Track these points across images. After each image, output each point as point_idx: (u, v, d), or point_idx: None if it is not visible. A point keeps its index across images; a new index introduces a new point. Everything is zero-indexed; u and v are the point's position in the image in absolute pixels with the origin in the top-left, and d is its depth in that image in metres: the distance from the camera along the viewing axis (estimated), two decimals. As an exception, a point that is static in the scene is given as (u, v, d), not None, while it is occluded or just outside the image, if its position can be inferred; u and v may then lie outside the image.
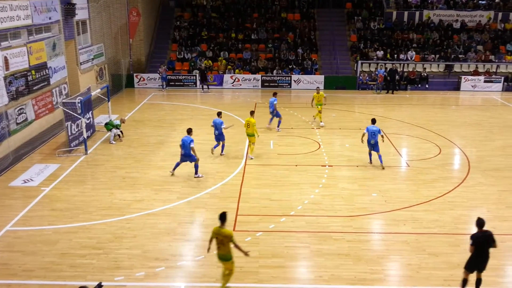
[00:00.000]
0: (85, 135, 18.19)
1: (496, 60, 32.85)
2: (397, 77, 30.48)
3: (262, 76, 31.37)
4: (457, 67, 32.73)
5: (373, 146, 16.56)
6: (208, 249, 9.90)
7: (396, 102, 27.99)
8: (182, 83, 31.30)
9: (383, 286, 10.17)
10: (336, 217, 13.11)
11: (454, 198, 14.30)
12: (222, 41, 33.90)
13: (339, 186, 15.21)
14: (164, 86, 30.47)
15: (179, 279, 10.38)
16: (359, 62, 31.77)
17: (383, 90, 30.42)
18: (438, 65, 32.82)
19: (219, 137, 17.79)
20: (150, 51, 33.98)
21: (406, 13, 35.39)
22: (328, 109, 25.31)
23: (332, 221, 12.86)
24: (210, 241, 9.75)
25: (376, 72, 30.93)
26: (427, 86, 31.34)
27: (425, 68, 32.12)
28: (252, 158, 17.49)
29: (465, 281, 9.67)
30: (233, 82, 31.29)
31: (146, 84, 31.14)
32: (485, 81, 31.13)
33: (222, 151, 18.03)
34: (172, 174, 15.83)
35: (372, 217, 13.20)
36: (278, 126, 21.31)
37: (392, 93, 30.15)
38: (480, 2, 36.08)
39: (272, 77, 31.44)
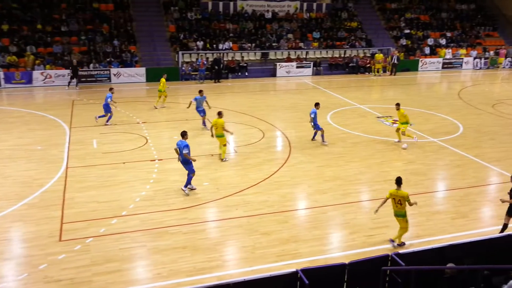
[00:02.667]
0: None
1: (305, 47, 35.77)
2: (221, 65, 31.32)
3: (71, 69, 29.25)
4: (272, 55, 34.84)
5: (314, 125, 18.22)
6: (376, 211, 11.25)
7: (219, 91, 28.67)
8: (-17, 83, 27.65)
9: (222, 272, 10.27)
10: (170, 211, 12.88)
11: (279, 178, 15.12)
12: (28, 35, 30.75)
13: (171, 179, 14.97)
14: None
15: (-2, 306, 9.11)
16: (180, 53, 31.74)
17: (206, 80, 30.95)
18: (255, 53, 34.51)
19: (106, 107, 20.25)
20: None
21: (221, 3, 36.38)
22: (153, 102, 24.82)
23: (167, 216, 12.59)
24: (384, 202, 11.20)
25: (197, 62, 31.28)
26: (246, 73, 32.76)
27: (243, 57, 33.51)
28: (225, 160, 16.55)
29: (505, 226, 11.42)
30: (44, 79, 28.65)
31: None
32: (297, 67, 33.72)
33: (102, 118, 20.43)
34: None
35: (205, 206, 13.26)
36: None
37: (219, 81, 30.88)
38: (287, -7, 38.81)
39: (89, 72, 29.62)
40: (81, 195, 13.66)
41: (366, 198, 14.02)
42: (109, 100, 20.17)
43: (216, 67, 31.06)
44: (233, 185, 14.58)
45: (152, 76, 30.57)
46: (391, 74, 34.94)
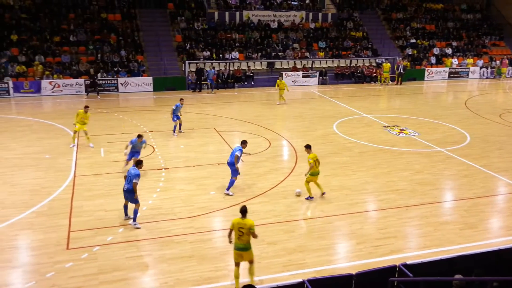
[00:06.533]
0: None
1: (311, 57, 35.85)
2: (203, 77, 31.28)
3: (85, 80, 29.59)
4: (278, 64, 34.95)
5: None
6: None
7: (225, 100, 28.78)
8: (-8, 92, 27.95)
9: (229, 281, 10.24)
10: (177, 219, 12.90)
11: (285, 188, 15.11)
12: (36, 45, 31.05)
13: (177, 188, 15.01)
14: (-30, 97, 26.90)
15: (5, 314, 9.14)
16: (187, 62, 31.91)
17: (214, 89, 31.17)
18: (261, 62, 34.64)
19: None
20: (-51, 57, 29.62)
21: (227, 13, 36.60)
22: (160, 111, 24.97)
23: (173, 224, 12.61)
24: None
25: (206, 73, 31.43)
26: (252, 83, 32.87)
27: (249, 66, 33.63)
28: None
29: None
30: (52, 88, 28.94)
31: None
32: (303, 76, 33.80)
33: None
34: None
35: (212, 215, 13.27)
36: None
37: (200, 91, 30.89)
38: (292, 3, 39.00)
39: (96, 81, 29.83)
40: (88, 203, 13.73)
41: (373, 208, 13.97)
42: (173, 107, 20.60)
43: (196, 77, 31.03)
44: (240, 194, 14.58)
45: (159, 86, 30.76)
46: (397, 84, 34.93)
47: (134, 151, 15.87)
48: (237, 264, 9.81)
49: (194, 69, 32.42)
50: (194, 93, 30.67)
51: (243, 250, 9.69)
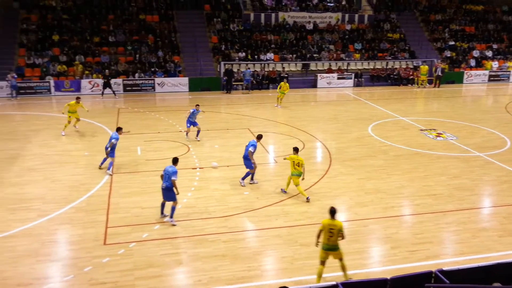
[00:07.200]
0: None
1: (346, 58, 35.57)
2: (233, 78, 31.28)
3: (123, 80, 30.23)
4: (312, 66, 34.82)
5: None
6: None
7: (260, 101, 28.86)
8: (34, 91, 28.91)
9: (261, 281, 10.29)
10: (210, 218, 13.03)
11: (319, 189, 15.05)
12: (77, 45, 31.92)
13: (211, 187, 15.15)
14: (14, 95, 27.86)
15: (45, 305, 9.44)
16: (222, 63, 32.17)
17: (252, 89, 31.26)
18: (296, 64, 34.59)
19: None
20: (-6, 56, 30.78)
21: (262, 15, 36.71)
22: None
23: (207, 223, 12.74)
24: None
25: (241, 73, 31.60)
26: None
27: (284, 68, 33.63)
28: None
29: None
30: (92, 88, 29.67)
31: (-8, 93, 28.16)
32: (338, 78, 33.58)
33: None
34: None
35: (245, 215, 13.34)
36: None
37: (230, 92, 30.95)
38: (328, 4, 38.79)
39: (134, 81, 30.46)
40: (125, 200, 14.03)
41: (409, 212, 13.75)
42: (186, 113, 20.13)
43: (226, 77, 31.12)
44: (273, 195, 14.61)
45: (195, 86, 31.12)
46: (435, 86, 34.27)
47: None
48: (323, 263, 9.99)
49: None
50: (227, 94, 30.91)
51: (332, 250, 9.91)
